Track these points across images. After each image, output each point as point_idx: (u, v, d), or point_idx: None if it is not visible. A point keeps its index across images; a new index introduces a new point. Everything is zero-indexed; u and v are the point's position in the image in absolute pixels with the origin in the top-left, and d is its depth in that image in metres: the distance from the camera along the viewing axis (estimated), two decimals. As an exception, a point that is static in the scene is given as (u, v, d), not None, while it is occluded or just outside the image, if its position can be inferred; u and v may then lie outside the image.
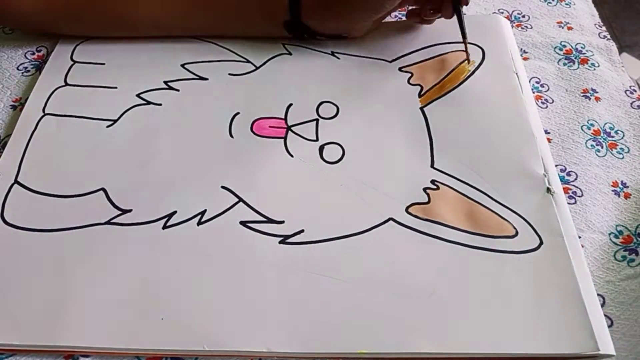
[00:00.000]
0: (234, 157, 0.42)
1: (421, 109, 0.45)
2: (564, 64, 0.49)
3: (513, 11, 0.54)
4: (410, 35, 0.49)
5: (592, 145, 0.43)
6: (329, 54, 0.49)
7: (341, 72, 0.47)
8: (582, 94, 0.47)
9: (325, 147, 0.42)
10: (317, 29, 0.48)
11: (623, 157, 0.43)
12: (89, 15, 0.48)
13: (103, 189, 0.40)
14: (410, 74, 0.47)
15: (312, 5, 0.45)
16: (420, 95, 0.45)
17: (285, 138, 0.43)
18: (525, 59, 0.49)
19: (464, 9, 0.46)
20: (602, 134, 0.44)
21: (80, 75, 0.47)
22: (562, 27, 0.52)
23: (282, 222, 0.38)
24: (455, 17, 0.46)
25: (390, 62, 0.48)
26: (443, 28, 0.48)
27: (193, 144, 0.42)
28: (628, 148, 0.43)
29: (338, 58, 0.48)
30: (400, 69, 0.48)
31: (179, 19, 0.48)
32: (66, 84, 0.47)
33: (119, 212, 0.39)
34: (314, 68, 0.48)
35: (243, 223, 0.38)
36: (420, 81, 0.46)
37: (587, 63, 0.49)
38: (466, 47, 0.47)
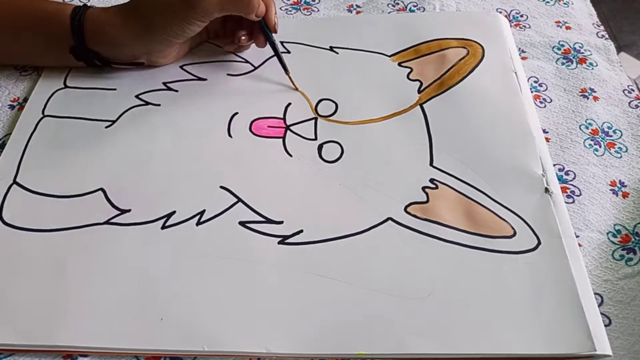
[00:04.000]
0: (232, 157, 0.42)
1: (421, 105, 0.44)
2: (562, 64, 0.49)
3: (511, 10, 0.54)
4: (411, 29, 0.49)
5: (590, 145, 0.43)
6: (327, 49, 0.49)
7: (340, 68, 0.47)
8: (580, 94, 0.47)
9: (324, 145, 0.42)
10: (109, 56, 0.45)
11: (621, 156, 0.43)
12: None
13: (102, 189, 0.40)
14: (409, 69, 0.47)
15: (96, 29, 0.41)
16: (419, 91, 0.45)
17: (284, 138, 0.43)
18: (523, 58, 0.49)
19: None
20: (600, 133, 0.44)
21: (80, 78, 0.47)
22: (561, 27, 0.52)
23: (281, 222, 0.38)
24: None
25: (390, 56, 0.48)
26: (445, 23, 0.47)
27: (192, 144, 0.42)
28: (626, 147, 0.43)
29: (337, 53, 0.48)
30: (400, 64, 0.48)
31: None
32: (65, 87, 0.47)
33: (118, 212, 0.39)
34: (312, 65, 0.48)
35: (242, 223, 0.38)
36: (419, 77, 0.46)
37: (585, 62, 0.49)
38: (290, 76, 0.45)
